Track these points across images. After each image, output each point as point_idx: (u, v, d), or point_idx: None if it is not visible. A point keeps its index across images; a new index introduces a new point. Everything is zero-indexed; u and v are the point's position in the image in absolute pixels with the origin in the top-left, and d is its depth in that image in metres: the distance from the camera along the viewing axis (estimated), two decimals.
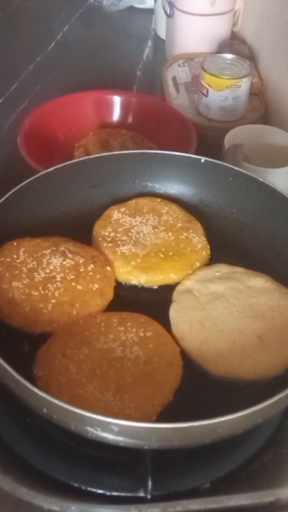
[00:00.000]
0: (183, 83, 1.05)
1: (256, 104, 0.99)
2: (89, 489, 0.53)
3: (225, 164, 0.71)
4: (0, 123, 0.98)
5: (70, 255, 0.62)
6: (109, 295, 0.62)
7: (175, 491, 0.53)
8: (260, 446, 0.56)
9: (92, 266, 0.62)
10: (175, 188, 0.74)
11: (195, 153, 0.80)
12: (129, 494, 0.53)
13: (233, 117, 0.94)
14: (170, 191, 0.74)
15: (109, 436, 0.46)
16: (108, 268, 0.63)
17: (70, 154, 0.86)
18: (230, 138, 0.81)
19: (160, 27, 1.24)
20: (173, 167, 0.73)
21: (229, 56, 0.95)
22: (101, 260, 0.64)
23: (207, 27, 1.08)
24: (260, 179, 0.69)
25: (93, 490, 0.53)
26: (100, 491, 0.53)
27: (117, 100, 0.93)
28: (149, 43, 1.28)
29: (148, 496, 0.52)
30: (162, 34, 1.23)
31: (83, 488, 0.53)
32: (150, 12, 1.33)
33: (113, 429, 0.44)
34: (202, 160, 0.71)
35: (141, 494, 0.53)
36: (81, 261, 0.62)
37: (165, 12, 1.12)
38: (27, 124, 0.84)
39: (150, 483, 0.52)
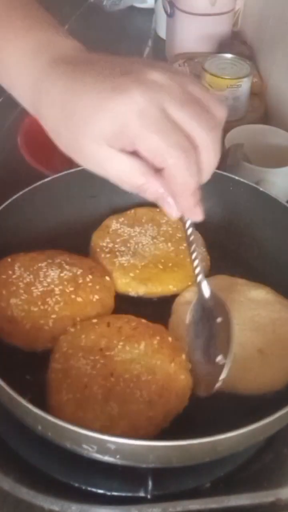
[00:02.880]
0: None
1: (256, 104, 0.99)
2: (89, 489, 0.53)
3: (225, 173, 0.70)
4: (0, 123, 0.98)
5: (67, 267, 0.61)
6: (110, 305, 0.61)
7: (175, 491, 0.53)
8: (260, 446, 0.56)
9: (90, 276, 0.61)
10: None
11: None
12: (129, 494, 0.53)
13: (234, 117, 0.94)
14: None
15: (106, 456, 0.46)
16: (107, 278, 0.63)
17: None
18: (230, 138, 0.81)
19: (161, 26, 1.24)
20: None
21: (229, 56, 0.95)
22: (99, 270, 0.63)
23: (207, 27, 1.08)
24: (261, 189, 0.68)
25: (93, 490, 0.53)
26: (100, 491, 0.53)
27: None
28: (149, 42, 1.28)
29: (149, 496, 0.52)
30: (162, 33, 1.23)
31: (83, 488, 0.53)
32: (150, 11, 1.33)
33: (109, 447, 0.44)
34: None
35: (142, 494, 0.53)
36: (78, 272, 0.61)
37: (166, 12, 1.12)
38: (27, 124, 0.84)
39: (150, 483, 0.52)
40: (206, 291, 0.55)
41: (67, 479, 0.54)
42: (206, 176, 0.46)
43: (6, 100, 1.02)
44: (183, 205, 0.46)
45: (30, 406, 0.45)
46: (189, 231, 0.52)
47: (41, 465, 0.54)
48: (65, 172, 0.69)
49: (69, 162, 0.86)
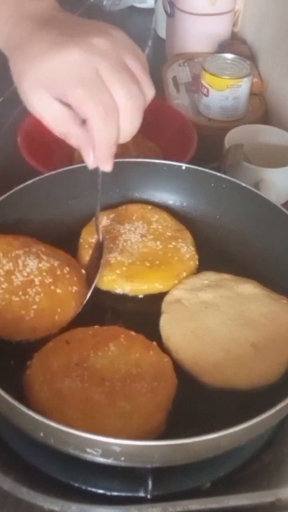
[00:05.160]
0: (184, 83, 1.04)
1: (256, 104, 0.99)
2: (89, 489, 0.53)
3: (206, 170, 0.70)
4: (0, 123, 0.98)
5: (44, 257, 0.61)
6: (85, 297, 0.61)
7: (175, 491, 0.53)
8: (260, 446, 0.56)
9: (68, 268, 0.61)
10: (157, 196, 0.74)
11: (195, 153, 0.80)
12: (129, 494, 0.53)
13: (234, 117, 0.94)
14: (152, 200, 0.74)
15: (110, 459, 0.46)
16: (83, 271, 0.63)
17: (70, 153, 0.86)
18: (230, 138, 0.81)
19: (161, 26, 1.24)
20: (154, 175, 0.72)
21: (229, 56, 0.95)
22: (74, 262, 0.63)
23: (207, 27, 1.08)
24: (243, 184, 0.68)
25: (93, 490, 0.53)
26: (100, 491, 0.53)
27: None
28: (149, 42, 1.28)
29: (148, 496, 0.52)
30: (162, 33, 1.23)
31: (83, 488, 0.53)
32: (150, 11, 1.33)
33: (114, 449, 0.44)
34: (183, 167, 0.71)
35: (141, 494, 0.53)
36: (56, 264, 0.61)
37: (166, 12, 1.12)
38: (27, 124, 0.84)
39: (150, 483, 0.52)
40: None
41: (67, 479, 0.54)
42: (123, 136, 0.51)
43: (6, 100, 1.03)
44: (98, 155, 0.52)
45: (32, 413, 0.44)
46: (98, 180, 0.59)
47: (41, 465, 0.54)
48: (45, 175, 0.68)
49: (69, 161, 0.87)
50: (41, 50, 0.49)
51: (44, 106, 0.50)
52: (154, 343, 0.57)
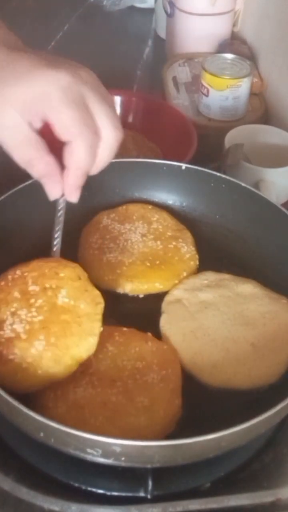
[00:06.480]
0: (183, 83, 1.05)
1: (256, 104, 0.99)
2: (89, 489, 0.53)
3: (206, 170, 0.70)
4: None
5: None
6: None
7: (175, 491, 0.53)
8: (260, 446, 0.56)
9: None
10: (157, 196, 0.74)
11: (195, 153, 0.80)
12: (129, 494, 0.53)
13: (233, 117, 0.94)
14: (152, 199, 0.73)
15: (110, 459, 0.46)
16: None
17: None
18: (230, 138, 0.81)
19: (161, 26, 1.24)
20: (154, 175, 0.72)
21: (229, 56, 0.95)
22: None
23: (207, 27, 1.08)
24: (243, 184, 0.68)
25: (93, 490, 0.53)
26: (100, 491, 0.53)
27: (117, 100, 0.93)
28: (149, 42, 1.28)
29: (148, 496, 0.52)
30: (162, 33, 1.23)
31: (83, 488, 0.53)
32: (150, 11, 1.33)
33: (115, 450, 0.44)
34: (183, 167, 0.71)
35: (141, 494, 0.53)
36: None
37: (166, 12, 1.12)
38: None
39: (150, 483, 0.52)
40: None
41: (67, 479, 0.54)
42: (96, 167, 0.51)
43: None
44: (70, 183, 0.51)
45: (32, 413, 0.44)
46: (60, 212, 0.57)
47: (41, 465, 0.54)
48: None
49: None
50: (27, 69, 0.47)
51: (12, 129, 0.47)
52: (149, 333, 0.57)
